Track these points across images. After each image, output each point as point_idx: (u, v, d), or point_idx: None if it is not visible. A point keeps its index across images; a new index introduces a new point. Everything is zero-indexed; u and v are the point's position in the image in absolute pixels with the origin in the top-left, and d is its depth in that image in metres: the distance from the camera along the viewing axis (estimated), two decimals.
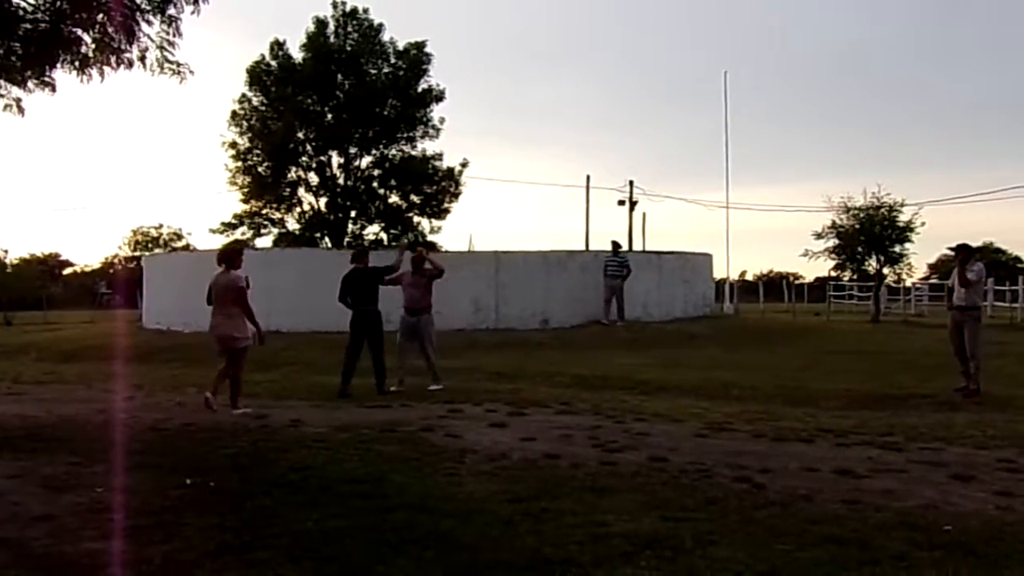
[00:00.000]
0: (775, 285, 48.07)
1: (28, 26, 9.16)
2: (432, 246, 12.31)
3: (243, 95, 32.07)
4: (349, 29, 31.69)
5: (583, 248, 31.05)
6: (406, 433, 8.35)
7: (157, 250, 58.13)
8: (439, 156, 32.90)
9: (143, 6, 9.37)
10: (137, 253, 56.81)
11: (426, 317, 12.31)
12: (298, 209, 33.03)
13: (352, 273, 11.98)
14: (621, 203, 40.92)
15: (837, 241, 29.27)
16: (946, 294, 12.69)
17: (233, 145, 31.99)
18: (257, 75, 31.73)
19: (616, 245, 21.28)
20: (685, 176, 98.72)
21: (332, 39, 31.55)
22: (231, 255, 10.20)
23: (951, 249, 12.30)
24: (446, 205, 33.22)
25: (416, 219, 33.63)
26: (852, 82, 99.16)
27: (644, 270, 22.87)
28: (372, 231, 33.82)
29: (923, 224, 28.43)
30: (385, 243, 31.74)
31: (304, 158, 32.28)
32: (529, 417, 9.47)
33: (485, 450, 7.46)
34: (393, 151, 32.70)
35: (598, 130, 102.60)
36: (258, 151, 31.91)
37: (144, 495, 5.88)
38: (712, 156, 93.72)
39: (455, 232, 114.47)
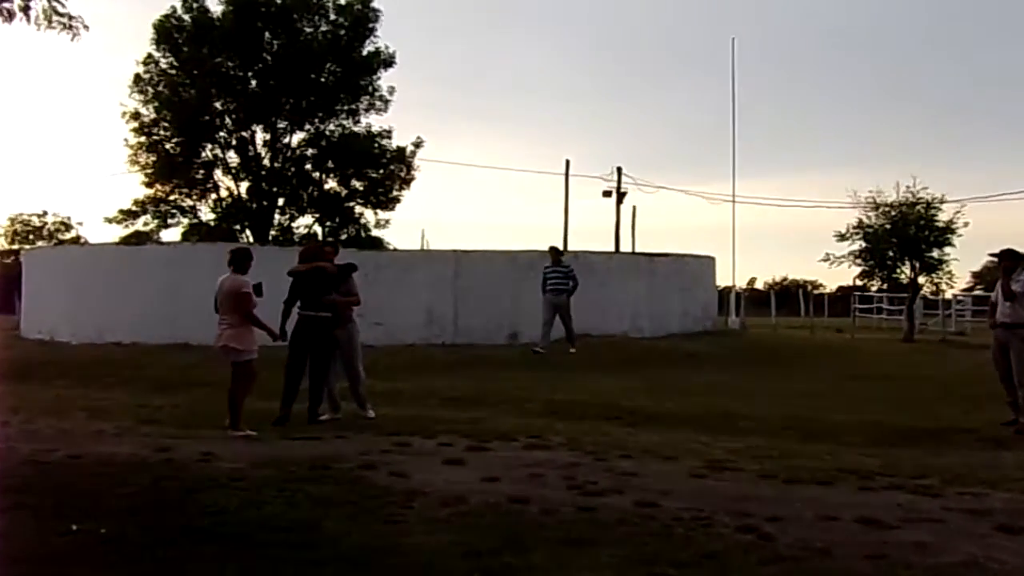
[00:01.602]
0: (790, 295, 48.54)
1: None
2: (353, 268, 12.37)
3: (149, 55, 31.84)
4: None
5: (560, 247, 31.12)
6: (342, 471, 8.32)
7: (40, 243, 57.61)
8: (387, 133, 32.95)
9: None
10: (15, 246, 56.24)
11: (352, 326, 12.26)
12: (214, 195, 32.90)
13: (304, 270, 11.93)
14: (607, 194, 41.23)
15: (864, 244, 29.61)
16: (989, 309, 12.86)
17: (136, 116, 31.73)
18: (166, 31, 31.48)
19: (557, 252, 20.68)
20: (683, 163, 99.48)
21: None
22: (240, 256, 11.01)
23: (994, 255, 12.48)
24: (395, 193, 33.23)
25: (358, 210, 33.59)
26: (884, 56, 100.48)
27: (633, 276, 23.00)
28: (304, 223, 33.72)
29: (966, 224, 28.90)
30: (320, 238, 31.60)
31: (222, 133, 32.13)
32: (492, 452, 9.47)
33: (438, 492, 7.45)
34: (331, 126, 32.65)
35: (579, 106, 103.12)
36: (166, 124, 31.70)
37: (20, 543, 5.81)
38: (716, 140, 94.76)
39: (406, 226, 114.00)
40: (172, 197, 32.71)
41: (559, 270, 20.04)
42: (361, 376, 12.23)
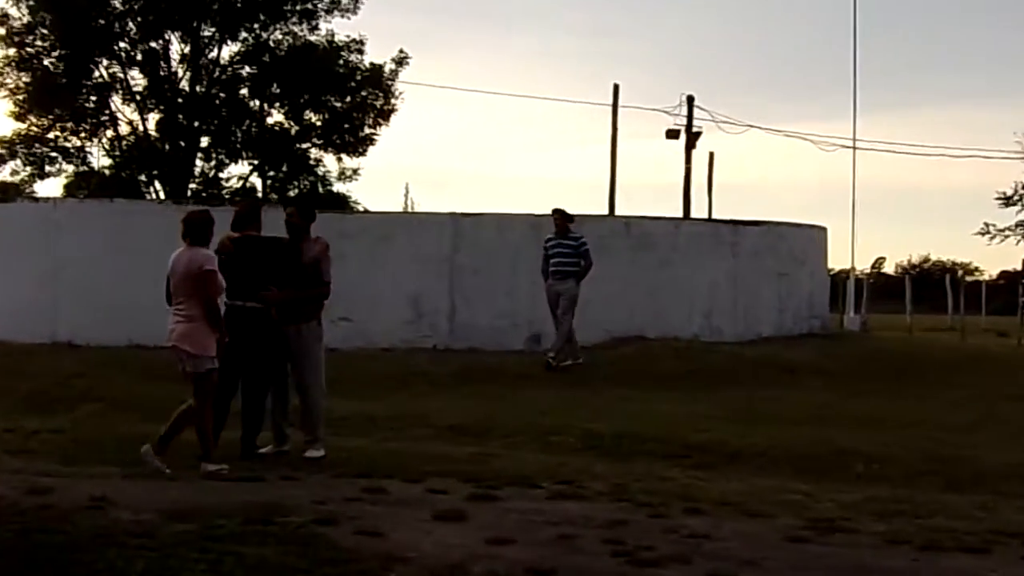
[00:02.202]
0: (932, 284, 48.43)
1: None
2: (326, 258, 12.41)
3: None
4: None
5: (605, 211, 31.08)
6: (289, 526, 8.35)
7: None
8: (357, 45, 33.02)
9: None
10: None
11: (313, 327, 12.24)
12: (110, 132, 33.01)
13: (238, 244, 11.89)
14: (672, 134, 41.13)
15: None
16: None
17: (3, 20, 31.88)
18: None
19: (564, 217, 19.99)
20: (781, 93, 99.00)
21: None
22: (196, 223, 10.94)
23: None
24: (368, 131, 33.27)
25: (315, 154, 33.66)
26: None
27: (709, 252, 22.92)
28: (237, 172, 33.80)
29: None
30: (260, 193, 31.66)
31: (123, 44, 32.20)
32: (504, 503, 9.52)
33: (425, 559, 7.48)
34: (277, 35, 32.72)
35: (630, 11, 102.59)
36: (44, 31, 31.80)
37: None
38: (828, 61, 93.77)
39: (383, 179, 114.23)
40: (52, 134, 32.85)
41: (565, 244, 19.64)
42: (319, 397, 12.18)
